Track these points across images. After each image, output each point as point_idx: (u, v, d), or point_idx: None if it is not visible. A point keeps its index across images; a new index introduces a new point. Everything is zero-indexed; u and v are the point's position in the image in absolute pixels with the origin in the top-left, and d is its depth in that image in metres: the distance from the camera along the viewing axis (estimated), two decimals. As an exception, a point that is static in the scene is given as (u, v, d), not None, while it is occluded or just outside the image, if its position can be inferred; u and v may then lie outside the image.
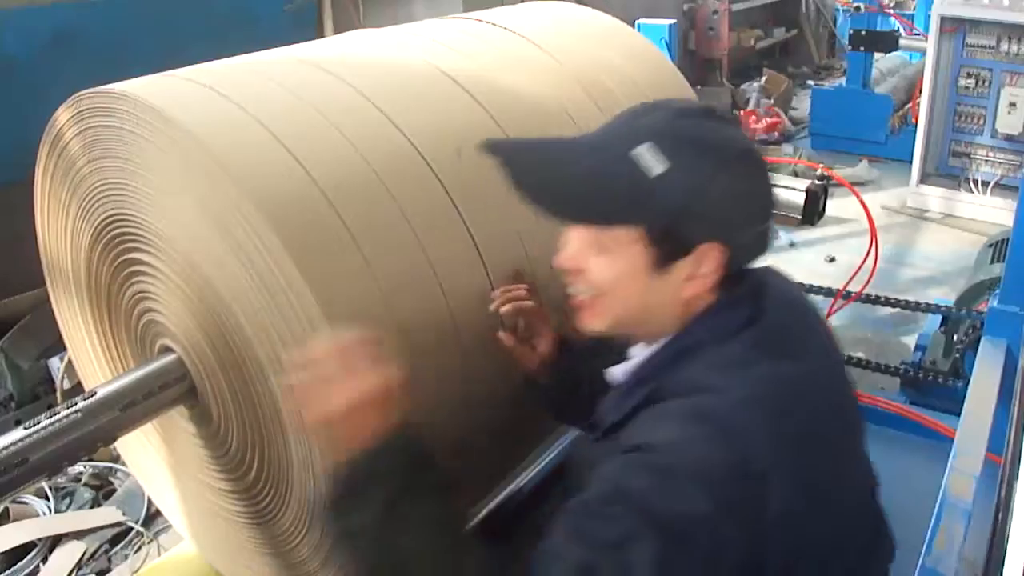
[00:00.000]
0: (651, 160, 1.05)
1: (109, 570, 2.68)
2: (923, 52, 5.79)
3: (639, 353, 1.20)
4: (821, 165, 4.00)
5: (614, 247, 1.09)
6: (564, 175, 1.11)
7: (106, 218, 1.47)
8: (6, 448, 1.23)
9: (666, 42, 3.58)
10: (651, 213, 1.06)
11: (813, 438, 1.07)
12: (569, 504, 1.02)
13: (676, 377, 1.08)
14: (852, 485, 1.20)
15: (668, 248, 1.07)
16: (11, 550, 2.70)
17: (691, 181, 1.04)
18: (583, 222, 1.12)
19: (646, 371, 1.14)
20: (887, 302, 3.41)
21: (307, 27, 4.21)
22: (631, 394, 1.13)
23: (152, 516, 2.83)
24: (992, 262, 3.28)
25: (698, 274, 1.08)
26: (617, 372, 1.22)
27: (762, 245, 1.13)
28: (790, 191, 2.50)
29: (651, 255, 1.07)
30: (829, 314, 3.15)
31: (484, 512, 1.90)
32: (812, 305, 1.25)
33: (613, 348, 1.26)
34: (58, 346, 3.12)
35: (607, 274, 1.10)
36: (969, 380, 2.29)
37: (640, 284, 1.09)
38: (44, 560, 2.69)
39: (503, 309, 1.37)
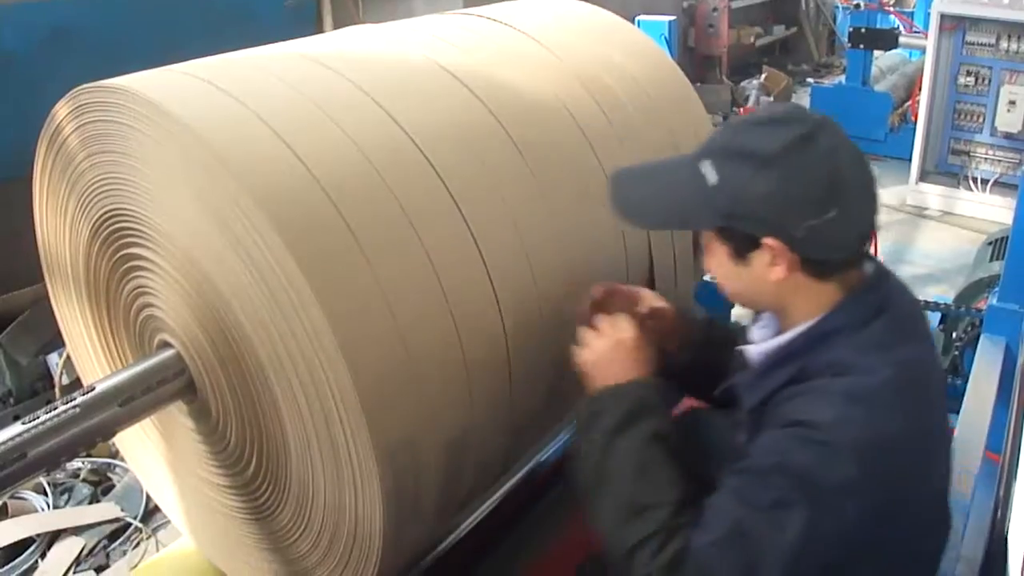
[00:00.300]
0: (708, 173, 1.23)
1: (107, 566, 2.67)
2: (922, 50, 5.77)
3: (762, 337, 1.37)
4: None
5: (708, 245, 1.31)
6: (646, 195, 1.35)
7: (105, 213, 1.46)
8: (4, 443, 1.23)
9: (666, 39, 3.56)
10: (711, 218, 1.25)
11: (933, 420, 1.26)
12: (735, 468, 1.20)
13: (820, 358, 1.22)
14: (947, 468, 1.35)
15: (738, 243, 1.25)
16: (9, 546, 2.69)
17: (734, 188, 1.21)
18: (667, 228, 1.41)
19: (784, 354, 1.28)
20: (886, 300, 3.40)
21: (306, 23, 4.21)
22: (770, 375, 1.28)
23: (151, 512, 2.83)
24: (991, 260, 3.28)
25: (775, 263, 1.23)
26: (752, 352, 1.35)
27: (828, 236, 1.19)
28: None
29: (729, 249, 1.27)
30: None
31: (485, 507, 1.90)
32: (922, 312, 1.42)
33: (738, 331, 1.51)
34: (57, 342, 3.12)
35: (711, 264, 1.33)
36: (968, 378, 2.30)
37: (733, 271, 1.28)
38: (42, 556, 2.68)
39: (595, 291, 1.53)
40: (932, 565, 1.38)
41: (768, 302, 1.31)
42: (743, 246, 1.24)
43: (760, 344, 1.34)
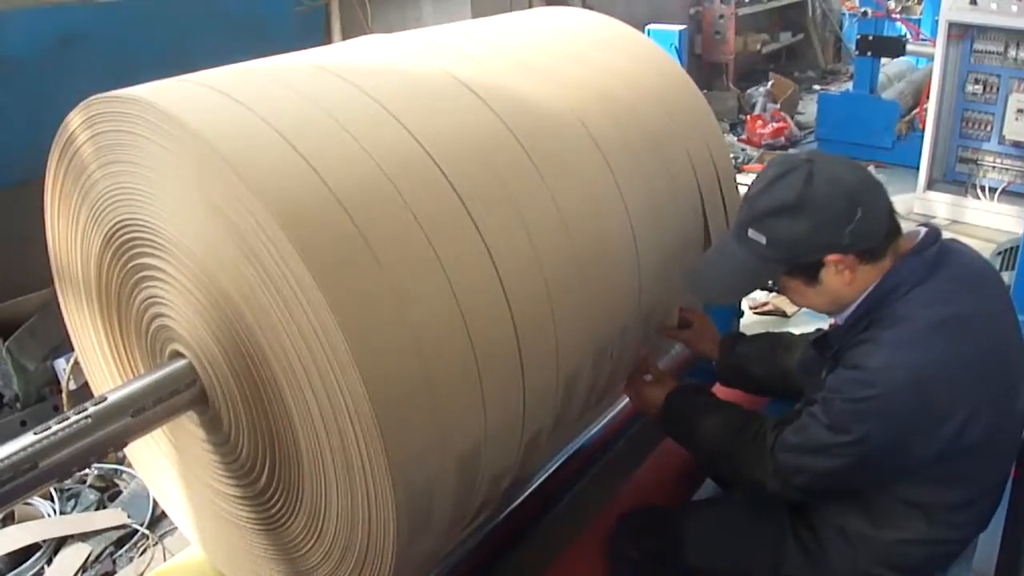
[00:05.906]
0: (756, 238, 1.55)
1: (114, 572, 2.66)
2: (930, 57, 5.75)
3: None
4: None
5: (787, 287, 1.62)
6: (721, 278, 1.67)
7: (117, 223, 1.46)
8: (16, 454, 1.22)
9: (676, 48, 3.57)
10: (778, 267, 1.57)
11: (982, 363, 1.50)
12: (818, 395, 1.56)
13: (884, 312, 1.52)
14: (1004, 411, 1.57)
15: (806, 273, 1.56)
16: (16, 551, 2.69)
17: (782, 239, 1.52)
18: (749, 293, 1.69)
19: (860, 312, 1.56)
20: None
21: (315, 28, 4.21)
22: (850, 330, 1.57)
23: (157, 519, 2.82)
24: (1001, 270, 3.27)
25: (841, 270, 1.52)
26: (839, 318, 1.66)
27: (867, 229, 1.49)
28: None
29: (802, 281, 1.58)
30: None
31: (495, 520, 1.90)
32: (992, 267, 1.71)
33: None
34: (64, 347, 3.12)
35: (796, 299, 1.66)
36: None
37: (813, 293, 1.59)
38: (49, 562, 2.68)
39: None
40: (977, 508, 1.63)
41: (850, 297, 1.58)
42: (811, 272, 1.55)
43: (847, 309, 1.62)
